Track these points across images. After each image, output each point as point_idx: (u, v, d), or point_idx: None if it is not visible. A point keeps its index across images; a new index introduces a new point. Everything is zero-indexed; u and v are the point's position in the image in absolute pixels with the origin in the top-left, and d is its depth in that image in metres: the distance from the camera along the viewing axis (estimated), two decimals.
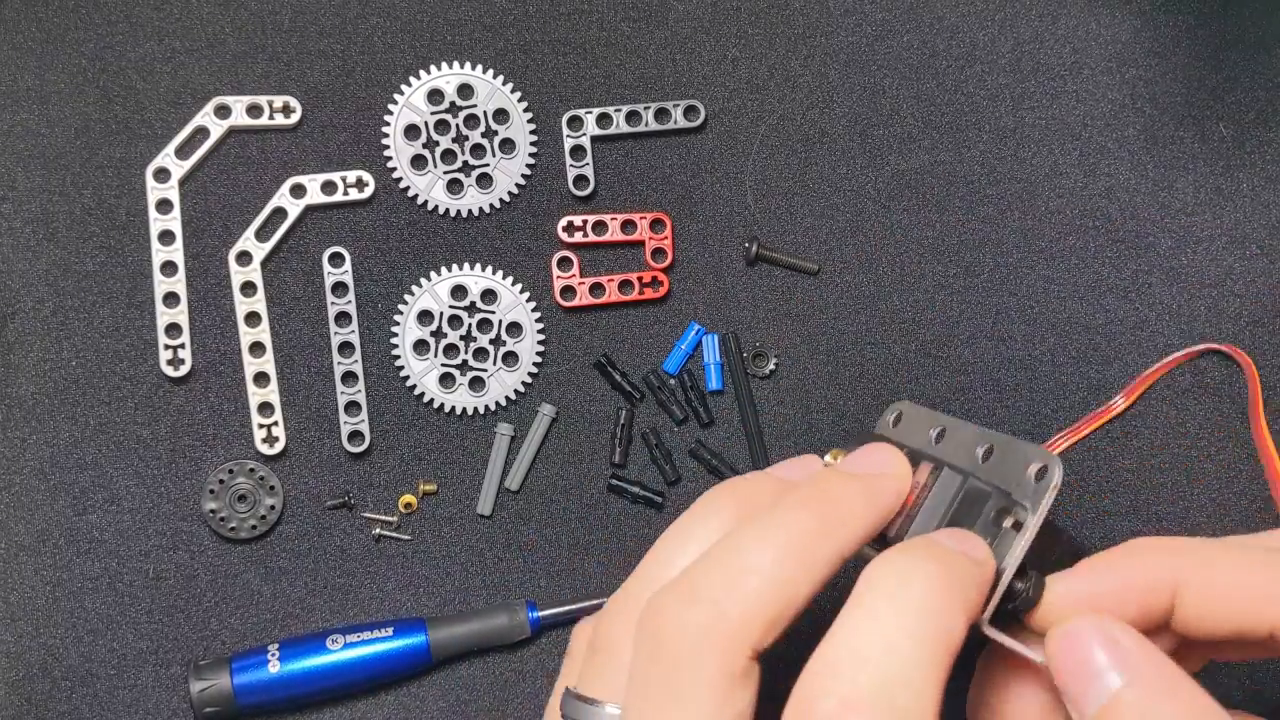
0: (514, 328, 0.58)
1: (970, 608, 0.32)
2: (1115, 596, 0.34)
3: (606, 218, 0.57)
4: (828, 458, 0.41)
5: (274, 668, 0.54)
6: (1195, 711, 0.31)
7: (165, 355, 0.56)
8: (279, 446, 0.57)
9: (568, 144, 0.57)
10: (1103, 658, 0.32)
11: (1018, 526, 0.35)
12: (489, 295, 0.57)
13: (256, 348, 0.57)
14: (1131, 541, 0.36)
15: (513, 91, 0.57)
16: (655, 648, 0.33)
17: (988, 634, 0.34)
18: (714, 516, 0.37)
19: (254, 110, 0.57)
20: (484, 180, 0.57)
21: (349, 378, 0.57)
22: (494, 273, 0.57)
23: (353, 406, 0.57)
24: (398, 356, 0.57)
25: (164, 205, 0.56)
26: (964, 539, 0.34)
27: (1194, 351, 0.57)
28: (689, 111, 0.57)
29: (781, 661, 0.34)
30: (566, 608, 0.56)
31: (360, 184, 0.57)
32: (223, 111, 0.57)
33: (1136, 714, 0.30)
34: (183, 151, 0.57)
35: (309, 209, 0.57)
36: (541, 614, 0.56)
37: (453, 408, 0.57)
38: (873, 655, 0.30)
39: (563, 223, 0.57)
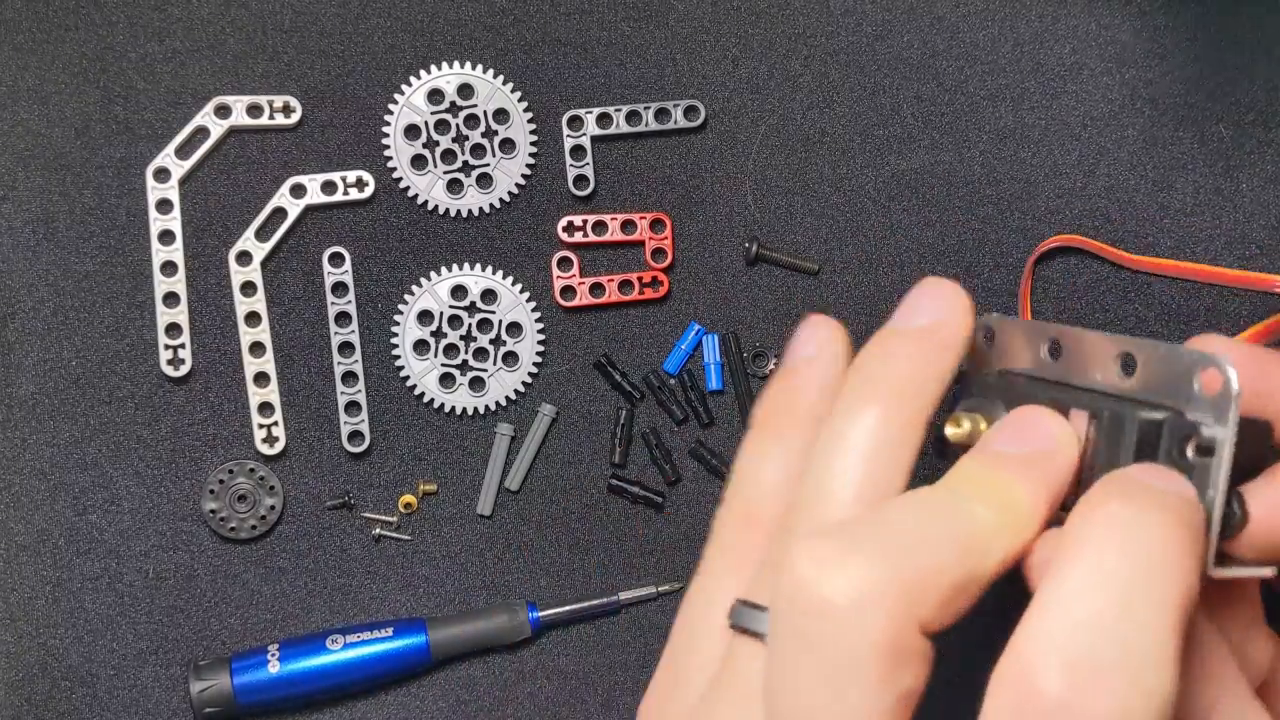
0: (514, 328, 0.58)
1: (1202, 555, 0.27)
2: None
3: (606, 218, 0.57)
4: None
5: (274, 668, 0.54)
6: None
7: (165, 355, 0.56)
8: (279, 446, 0.57)
9: (568, 144, 0.57)
10: None
11: (1203, 450, 0.30)
12: (489, 295, 0.57)
13: (256, 348, 0.57)
14: None
15: (513, 91, 0.57)
16: (801, 623, 0.27)
17: (1216, 576, 0.30)
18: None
19: (254, 110, 0.57)
20: (484, 180, 0.57)
21: (349, 378, 0.57)
22: (494, 273, 0.57)
23: (353, 406, 0.57)
24: (398, 356, 0.57)
25: (164, 205, 0.56)
26: (1168, 477, 0.29)
27: None
28: (689, 111, 0.57)
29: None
30: (567, 608, 0.56)
31: (360, 184, 0.57)
32: (223, 111, 0.57)
33: None
34: (183, 151, 0.57)
35: (309, 209, 0.57)
36: (542, 614, 0.56)
37: (453, 408, 0.57)
38: (1106, 623, 0.25)
39: (563, 223, 0.57)
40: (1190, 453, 0.30)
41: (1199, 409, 0.30)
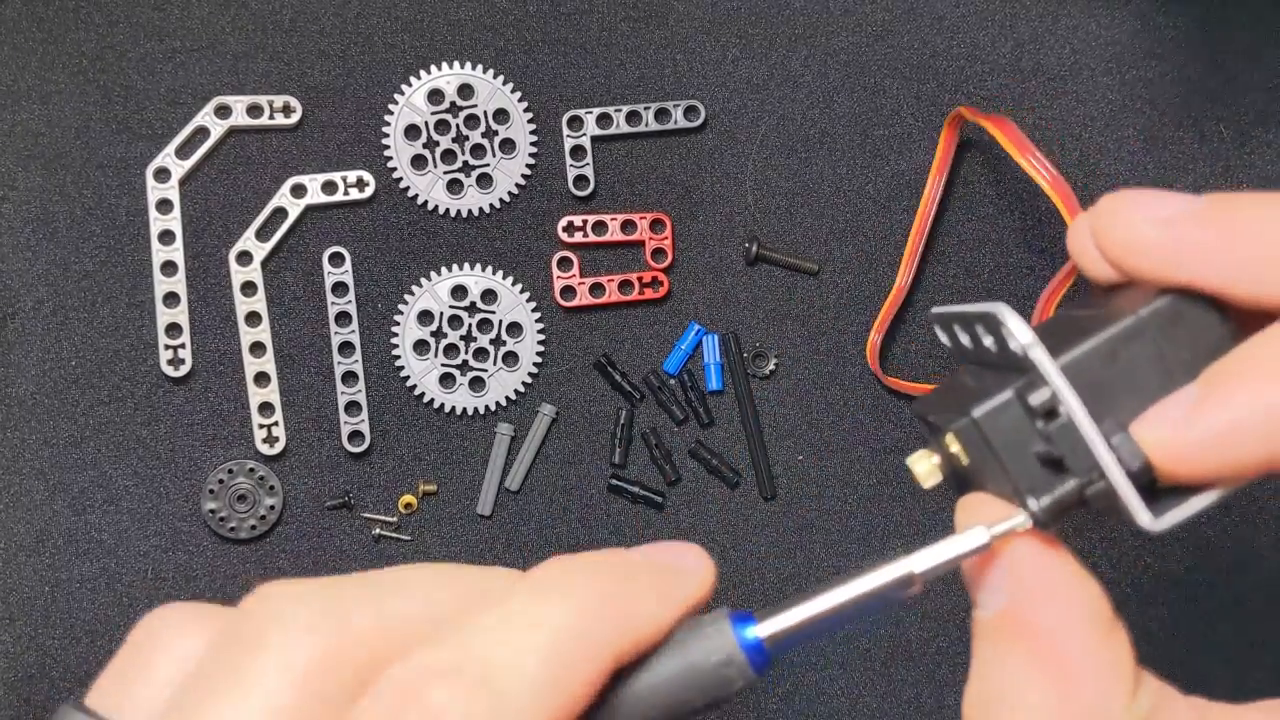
0: (514, 328, 0.58)
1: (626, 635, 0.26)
2: (1261, 430, 0.25)
3: (606, 218, 0.57)
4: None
5: None
6: None
7: (165, 355, 0.56)
8: (279, 446, 0.56)
9: (568, 144, 0.57)
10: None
11: (1048, 415, 0.27)
12: (489, 295, 0.57)
13: (256, 348, 0.57)
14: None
15: (513, 91, 0.57)
16: None
17: (1158, 530, 0.26)
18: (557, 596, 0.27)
19: (254, 110, 0.57)
20: (484, 180, 0.57)
21: (349, 378, 0.57)
22: (494, 273, 0.57)
23: (353, 406, 0.57)
24: (398, 356, 0.57)
25: (164, 205, 0.56)
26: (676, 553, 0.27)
27: None
28: (689, 111, 0.57)
29: None
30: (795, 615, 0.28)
31: (360, 184, 0.57)
32: (223, 111, 0.57)
33: None
34: (183, 151, 0.57)
35: (309, 209, 0.57)
36: (765, 634, 0.27)
37: (453, 408, 0.57)
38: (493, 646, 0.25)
39: (563, 223, 0.57)
40: (1042, 425, 0.27)
41: (1023, 366, 0.27)
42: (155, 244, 0.56)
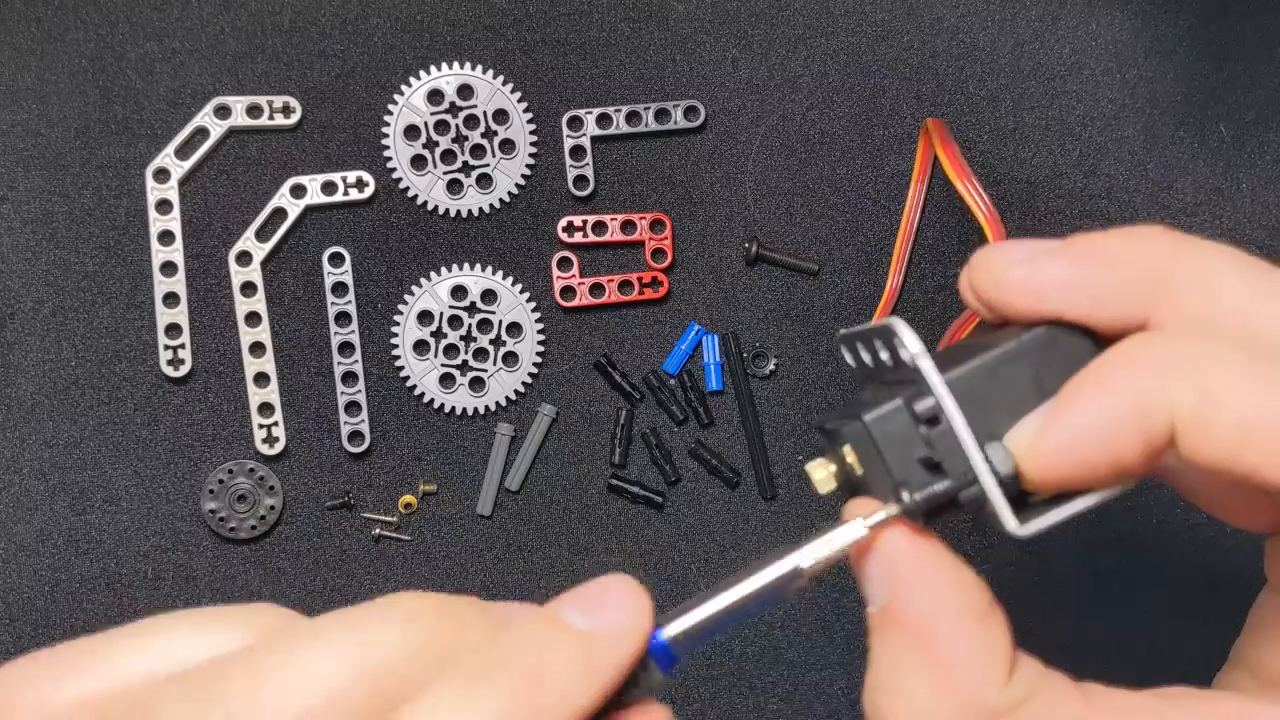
0: (514, 328, 0.58)
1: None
2: (1100, 436, 0.27)
3: (606, 218, 0.57)
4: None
5: None
6: None
7: (165, 355, 0.56)
8: (279, 446, 0.57)
9: (568, 144, 0.57)
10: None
11: (929, 421, 0.29)
12: (489, 295, 0.57)
13: (256, 348, 0.57)
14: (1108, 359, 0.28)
15: (513, 91, 0.57)
16: None
17: (1025, 535, 0.28)
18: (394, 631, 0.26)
19: (254, 110, 0.57)
20: (484, 180, 0.57)
21: (349, 378, 0.57)
22: (494, 273, 0.57)
23: (353, 406, 0.57)
24: (398, 357, 0.57)
25: (164, 205, 0.56)
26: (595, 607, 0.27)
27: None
28: (689, 111, 0.57)
29: None
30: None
31: (360, 184, 0.57)
32: (223, 111, 0.57)
33: None
34: (183, 151, 0.57)
35: (309, 209, 0.57)
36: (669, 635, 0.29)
37: (453, 408, 0.57)
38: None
39: (563, 223, 0.57)
40: (924, 430, 0.29)
41: (914, 378, 0.29)
42: (155, 244, 0.56)
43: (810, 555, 0.28)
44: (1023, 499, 0.29)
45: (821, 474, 0.31)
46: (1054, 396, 0.28)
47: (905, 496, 0.28)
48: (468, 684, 0.25)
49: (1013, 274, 0.29)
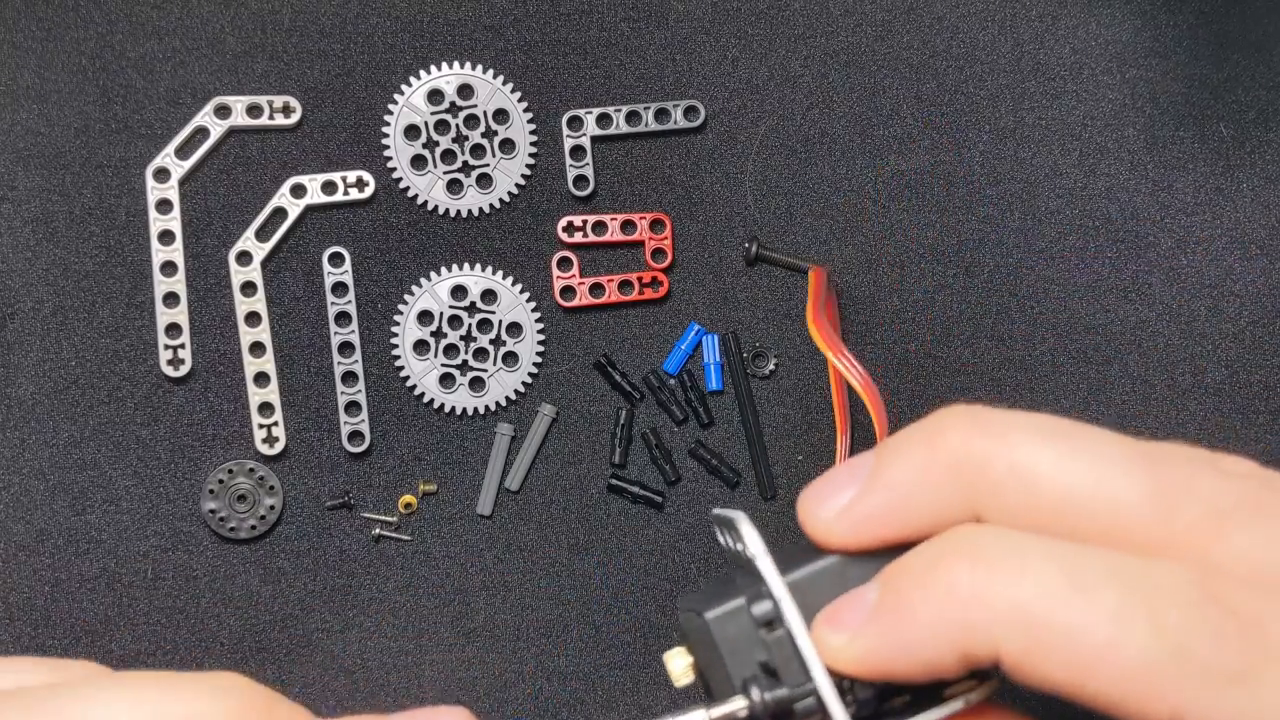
0: (514, 328, 0.58)
1: None
2: (916, 655, 0.27)
3: (606, 218, 0.57)
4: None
5: None
6: None
7: (165, 355, 0.56)
8: (279, 446, 0.57)
9: (568, 144, 0.57)
10: None
11: (767, 624, 0.28)
12: (489, 295, 0.57)
13: (256, 348, 0.57)
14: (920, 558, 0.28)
15: (513, 91, 0.57)
16: None
17: None
18: None
19: (254, 110, 0.57)
20: (484, 180, 0.57)
21: (349, 378, 0.57)
22: (494, 273, 0.57)
23: (353, 406, 0.57)
24: (398, 356, 0.57)
25: (164, 205, 0.56)
26: None
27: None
28: (689, 111, 0.57)
29: None
30: None
31: (360, 184, 0.57)
32: (223, 111, 0.57)
33: None
34: (183, 151, 0.57)
35: (309, 209, 0.57)
36: None
37: (453, 408, 0.57)
38: None
39: (563, 223, 0.57)
40: (763, 633, 0.28)
41: (759, 580, 0.28)
42: (155, 244, 0.56)
43: None
44: (877, 711, 0.28)
45: (679, 665, 0.30)
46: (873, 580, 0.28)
47: (755, 695, 0.28)
48: None
49: (838, 526, 0.29)
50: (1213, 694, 0.25)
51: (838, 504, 0.29)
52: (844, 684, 0.28)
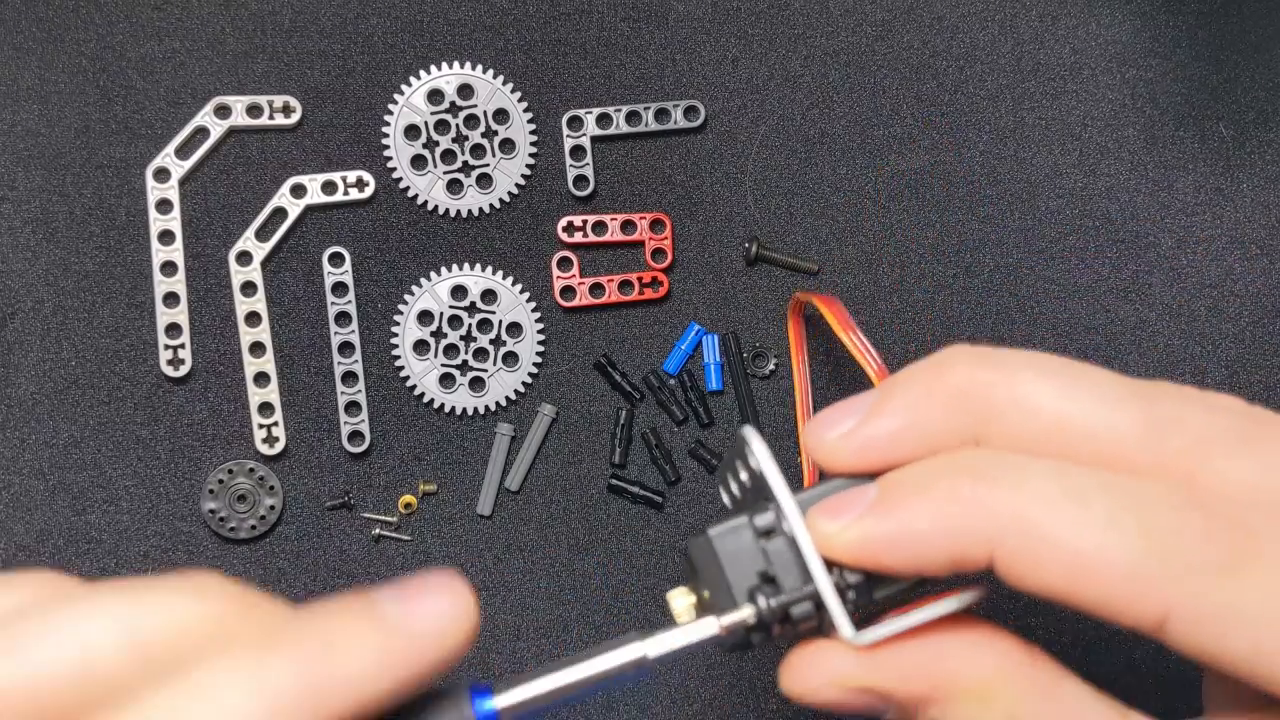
0: (514, 328, 0.58)
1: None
2: (909, 550, 0.28)
3: (606, 218, 0.57)
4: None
5: None
6: None
7: (165, 355, 0.56)
8: (279, 446, 0.56)
9: (568, 144, 0.57)
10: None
11: (766, 535, 0.30)
12: (489, 295, 0.57)
13: (256, 348, 0.57)
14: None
15: (513, 91, 0.57)
16: None
17: (865, 645, 0.29)
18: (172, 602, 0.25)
19: (254, 110, 0.57)
20: (484, 180, 0.57)
21: (349, 378, 0.57)
22: (494, 273, 0.57)
23: (353, 406, 0.57)
24: (398, 357, 0.57)
25: (164, 205, 0.56)
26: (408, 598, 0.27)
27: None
28: (689, 111, 0.57)
29: None
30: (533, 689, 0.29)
31: (360, 184, 0.57)
32: (223, 111, 0.57)
33: None
34: (183, 151, 0.57)
35: (309, 209, 0.57)
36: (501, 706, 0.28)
37: (453, 408, 0.57)
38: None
39: (563, 223, 0.57)
40: (764, 544, 0.29)
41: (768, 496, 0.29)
42: (155, 244, 0.56)
43: (660, 645, 0.29)
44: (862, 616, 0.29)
45: (682, 603, 0.31)
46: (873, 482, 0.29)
47: (761, 601, 0.29)
48: (247, 654, 0.24)
49: (844, 447, 0.30)
50: (1200, 590, 0.26)
51: (843, 428, 0.30)
52: (841, 586, 0.29)
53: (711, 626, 0.29)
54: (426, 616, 0.26)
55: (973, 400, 0.29)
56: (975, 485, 0.27)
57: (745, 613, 0.29)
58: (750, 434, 0.30)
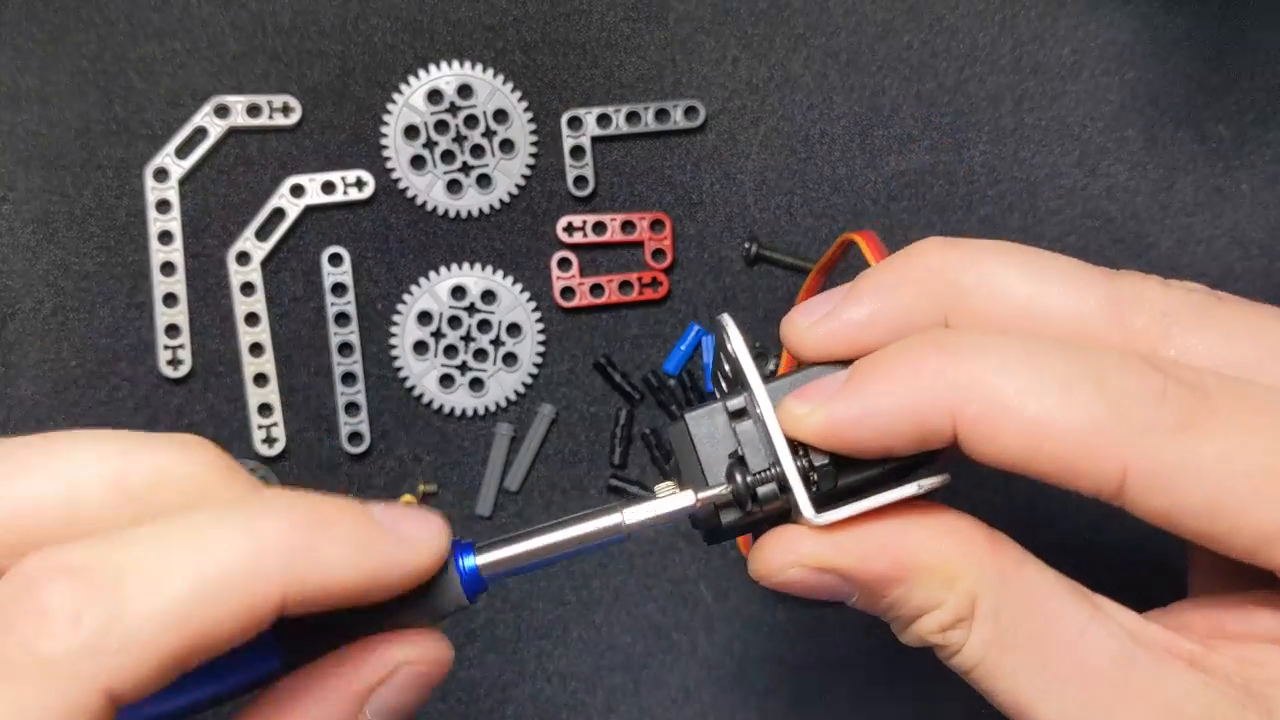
0: (514, 328, 0.58)
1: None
2: (877, 425, 0.28)
3: (606, 218, 0.57)
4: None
5: None
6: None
7: (165, 355, 0.56)
8: (279, 447, 0.56)
9: (567, 144, 0.57)
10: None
11: (737, 416, 0.31)
12: (489, 296, 0.57)
13: (256, 348, 0.57)
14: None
15: (513, 91, 0.57)
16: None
17: (822, 523, 0.29)
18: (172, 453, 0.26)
19: (253, 110, 0.57)
20: (484, 180, 0.57)
21: (348, 378, 0.57)
22: (494, 273, 0.57)
23: (352, 407, 0.57)
24: (397, 357, 0.57)
25: (163, 205, 0.56)
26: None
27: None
28: (689, 111, 0.57)
29: None
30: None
31: (359, 184, 0.57)
32: (222, 111, 0.57)
33: None
34: (182, 151, 0.57)
35: (309, 209, 0.57)
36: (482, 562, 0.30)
37: (452, 409, 0.57)
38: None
39: (562, 223, 0.57)
40: (736, 426, 0.31)
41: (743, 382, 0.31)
42: (154, 244, 0.56)
43: (637, 515, 0.30)
44: (827, 500, 0.30)
45: (664, 486, 0.32)
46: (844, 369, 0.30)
47: (738, 477, 0.30)
48: (237, 507, 0.25)
49: (816, 332, 0.31)
50: (1157, 446, 0.26)
51: (817, 316, 0.31)
52: (806, 469, 0.29)
53: (686, 499, 0.30)
54: (408, 528, 0.28)
55: (941, 283, 0.30)
56: (939, 358, 0.28)
57: (717, 489, 0.30)
58: (726, 320, 0.31)
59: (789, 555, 0.29)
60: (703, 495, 0.30)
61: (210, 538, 0.25)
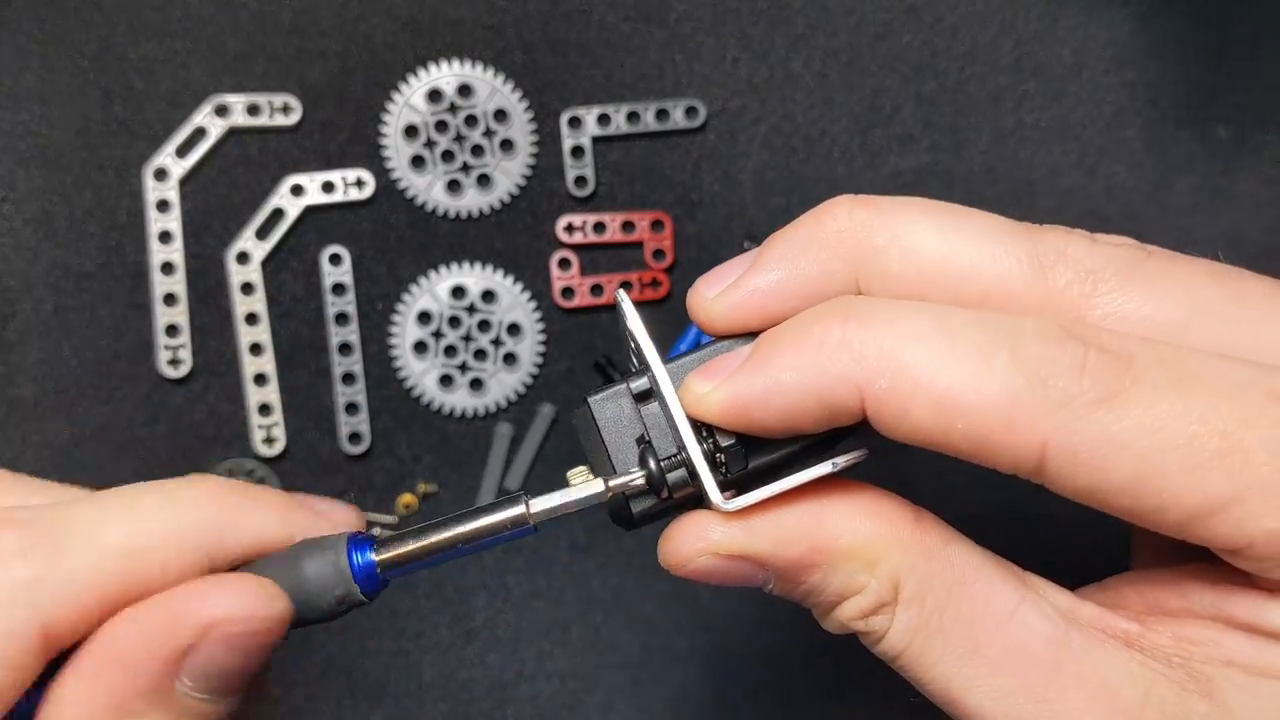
0: (514, 328, 0.58)
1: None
2: (782, 403, 0.27)
3: (606, 218, 0.57)
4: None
5: None
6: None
7: (164, 355, 0.56)
8: (279, 447, 0.56)
9: (568, 144, 0.57)
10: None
11: (642, 398, 0.29)
12: (489, 296, 0.57)
13: (256, 348, 0.57)
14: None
15: (513, 91, 0.57)
16: None
17: (734, 509, 0.28)
18: None
19: (253, 110, 0.57)
20: (484, 180, 0.57)
21: (348, 378, 0.57)
22: (494, 273, 0.57)
23: (352, 407, 0.57)
24: (397, 357, 0.57)
25: (163, 205, 0.56)
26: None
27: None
28: (689, 111, 0.57)
29: None
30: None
31: (359, 184, 0.57)
32: (222, 111, 0.57)
33: None
34: (182, 151, 0.57)
35: (308, 209, 0.57)
36: (380, 558, 0.31)
37: (452, 409, 0.57)
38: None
39: (562, 223, 0.57)
40: (641, 409, 0.29)
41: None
42: (154, 244, 0.56)
43: (543, 504, 0.30)
44: (739, 483, 0.28)
45: (576, 473, 0.31)
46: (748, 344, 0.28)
47: (651, 463, 0.28)
48: (167, 483, 0.29)
49: (723, 302, 0.29)
50: (1078, 420, 0.24)
51: (723, 285, 0.29)
52: (712, 451, 0.28)
53: (596, 487, 0.29)
54: (324, 506, 0.31)
55: (851, 242, 0.28)
56: (844, 328, 0.26)
57: (627, 476, 0.29)
58: (622, 296, 0.30)
59: (699, 543, 0.28)
60: (613, 483, 0.29)
61: (144, 502, 0.27)
